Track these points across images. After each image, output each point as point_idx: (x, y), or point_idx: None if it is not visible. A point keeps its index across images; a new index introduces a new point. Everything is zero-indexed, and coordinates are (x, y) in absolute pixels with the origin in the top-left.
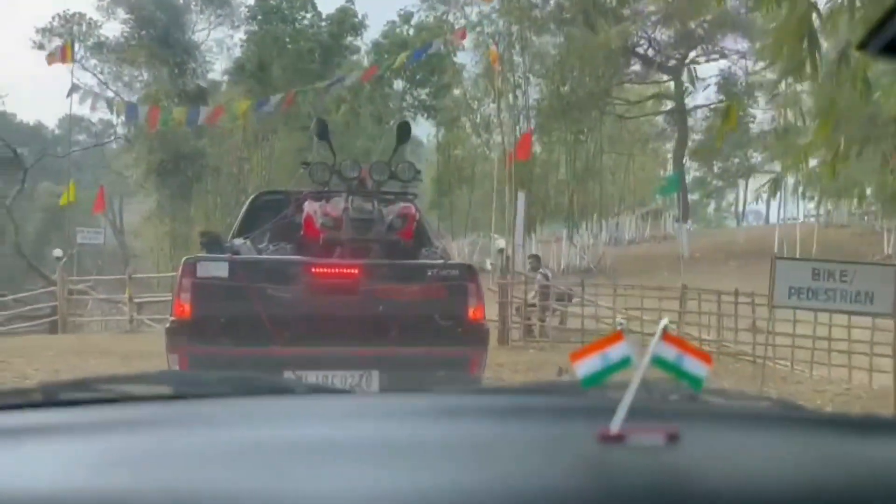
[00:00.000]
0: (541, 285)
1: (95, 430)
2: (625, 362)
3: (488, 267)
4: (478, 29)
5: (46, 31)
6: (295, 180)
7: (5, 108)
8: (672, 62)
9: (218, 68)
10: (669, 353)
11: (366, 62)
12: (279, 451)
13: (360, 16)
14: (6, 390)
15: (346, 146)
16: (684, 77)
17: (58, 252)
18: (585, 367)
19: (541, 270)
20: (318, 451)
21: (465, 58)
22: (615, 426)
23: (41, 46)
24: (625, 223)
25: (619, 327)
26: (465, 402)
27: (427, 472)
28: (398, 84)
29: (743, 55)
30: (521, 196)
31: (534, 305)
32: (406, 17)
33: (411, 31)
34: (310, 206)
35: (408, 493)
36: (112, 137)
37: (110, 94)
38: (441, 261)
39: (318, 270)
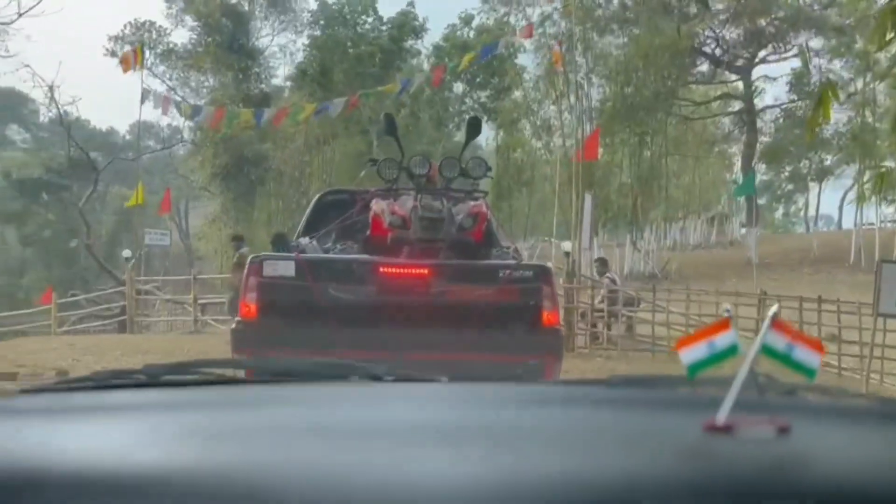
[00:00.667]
0: (608, 290)
1: (193, 409)
2: (732, 350)
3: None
4: (539, 30)
5: (118, 39)
6: (357, 182)
7: (79, 114)
8: (740, 61)
9: (281, 73)
10: (779, 342)
11: (426, 65)
12: (366, 432)
13: (420, 19)
14: (112, 371)
15: (407, 150)
16: (753, 77)
17: (127, 253)
18: (691, 354)
19: (608, 275)
20: (404, 434)
21: (526, 59)
22: (722, 417)
23: (113, 54)
24: (690, 227)
25: (726, 314)
26: (561, 391)
27: (527, 459)
28: (458, 87)
29: (817, 53)
30: (588, 198)
31: (601, 311)
32: (467, 20)
33: (472, 34)
34: (377, 205)
35: (505, 480)
36: (179, 142)
37: (178, 98)
38: (514, 261)
39: (385, 270)
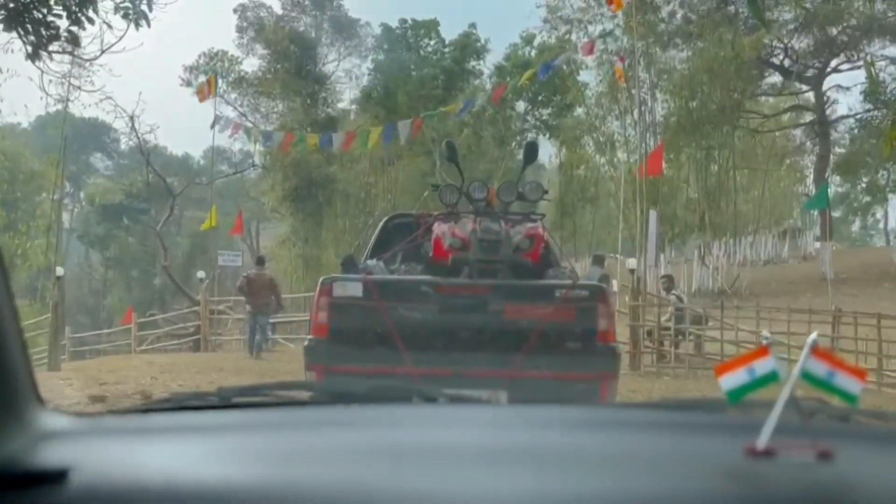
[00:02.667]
0: (675, 308)
1: (262, 431)
2: (772, 377)
3: (615, 288)
4: (602, 46)
5: (193, 69)
6: (420, 203)
7: (157, 142)
8: (811, 72)
9: (346, 97)
10: (819, 368)
11: (488, 86)
12: (427, 455)
13: (482, 40)
14: (189, 393)
15: (469, 169)
16: (825, 87)
17: (201, 274)
18: (731, 380)
19: (674, 292)
20: (461, 456)
21: (588, 76)
22: (762, 441)
23: (188, 83)
24: (760, 243)
25: (764, 342)
26: (607, 415)
27: (571, 481)
28: (520, 105)
29: (892, 60)
30: (653, 214)
31: (667, 329)
32: (528, 39)
33: (533, 53)
34: (438, 228)
35: (546, 501)
36: (250, 166)
37: (249, 124)
38: (570, 281)
39: (446, 290)
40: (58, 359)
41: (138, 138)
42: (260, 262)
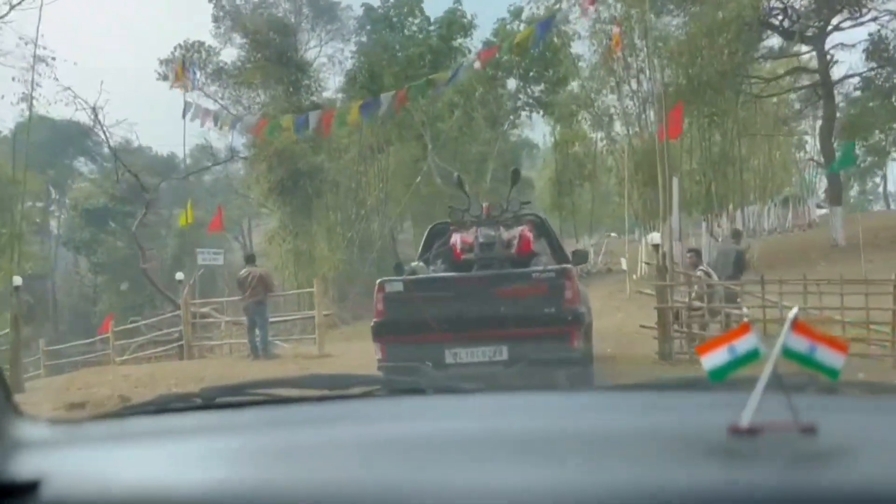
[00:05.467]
0: (703, 285)
1: (248, 430)
2: (753, 355)
3: (624, 266)
4: (593, 16)
5: (169, 63)
6: (411, 190)
7: (140, 142)
8: (811, 31)
9: (332, 84)
10: (801, 344)
11: (478, 64)
12: (416, 446)
13: (469, 16)
14: (170, 395)
15: (462, 154)
16: (827, 46)
17: (179, 275)
18: (712, 360)
19: (701, 267)
20: (444, 447)
21: (581, 47)
22: (745, 419)
23: (165, 77)
24: (762, 212)
25: (745, 319)
26: (594, 398)
27: (561, 466)
28: (511, 83)
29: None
30: (676, 181)
31: (699, 310)
32: (517, 13)
33: (523, 27)
34: (454, 236)
35: (543, 486)
36: (229, 158)
37: (225, 111)
38: (542, 267)
39: (459, 281)
40: (19, 377)
41: (104, 131)
42: (249, 259)
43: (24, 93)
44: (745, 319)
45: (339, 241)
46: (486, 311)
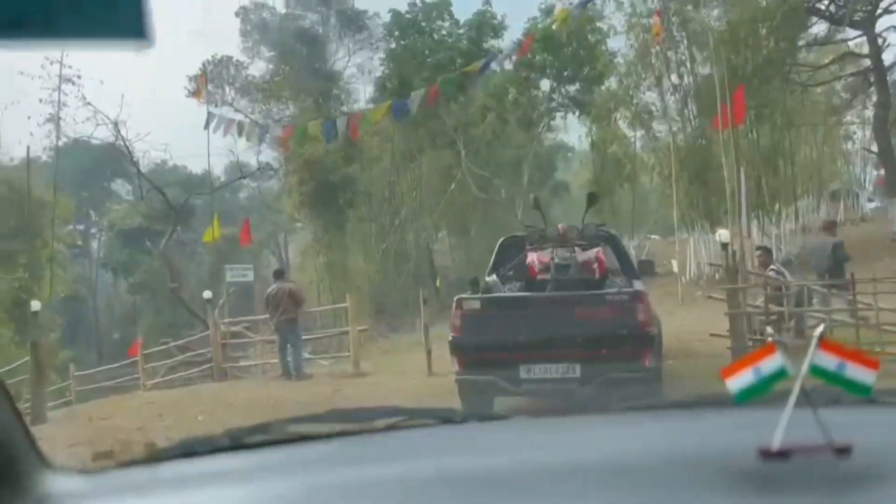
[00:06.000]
0: (774, 287)
1: (277, 472)
2: (780, 374)
3: (674, 268)
4: (629, 9)
5: (198, 79)
6: (445, 199)
7: (175, 162)
8: (860, 15)
9: (362, 94)
10: (829, 361)
11: (509, 64)
12: (443, 481)
13: (499, 17)
14: (197, 438)
15: (495, 159)
16: (878, 29)
17: (207, 294)
18: (738, 382)
19: (772, 267)
20: (477, 481)
21: (618, 42)
22: (776, 441)
23: (194, 94)
24: (810, 207)
25: (769, 338)
26: (619, 422)
27: (586, 498)
28: (545, 84)
29: None
30: (741, 173)
31: (773, 314)
32: (548, 10)
33: (555, 25)
34: (530, 256)
35: None
36: (256, 170)
37: (250, 121)
38: (617, 290)
39: (535, 301)
40: (42, 408)
41: (126, 147)
42: (278, 274)
43: (50, 113)
44: (821, 327)
45: (373, 253)
46: (560, 330)
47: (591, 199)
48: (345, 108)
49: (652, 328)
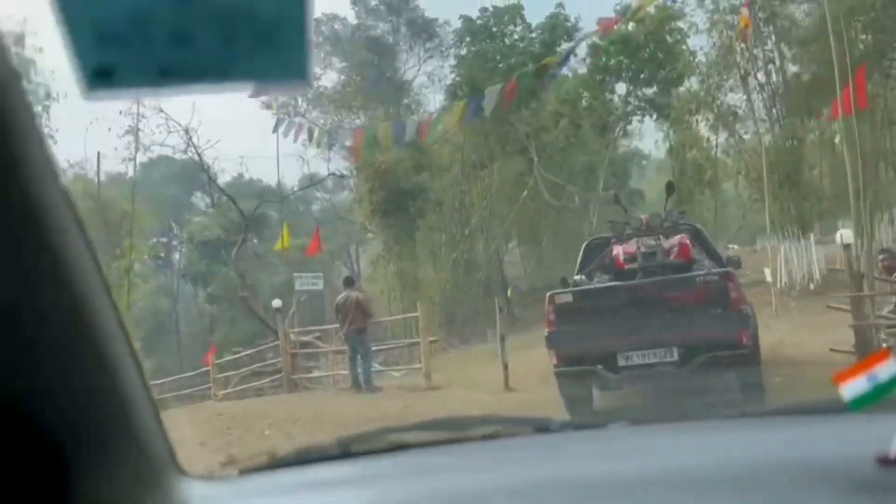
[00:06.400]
0: None
1: (384, 480)
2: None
3: (767, 277)
4: (711, 6)
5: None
6: (517, 206)
7: (251, 176)
8: None
9: (432, 103)
10: None
11: (583, 68)
12: (545, 489)
13: (572, 19)
14: (309, 447)
15: (568, 165)
16: None
17: (276, 303)
18: (851, 389)
19: None
20: (575, 490)
21: (700, 41)
22: (894, 449)
23: (269, 106)
24: None
25: (884, 344)
26: (721, 429)
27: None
28: (620, 87)
29: None
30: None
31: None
32: (624, 11)
33: (631, 25)
34: (616, 248)
35: None
36: (326, 178)
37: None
38: (706, 271)
39: (626, 289)
40: None
41: (198, 153)
42: (348, 282)
43: (129, 125)
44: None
45: (443, 263)
46: (654, 315)
47: (670, 188)
48: (415, 118)
49: (745, 306)
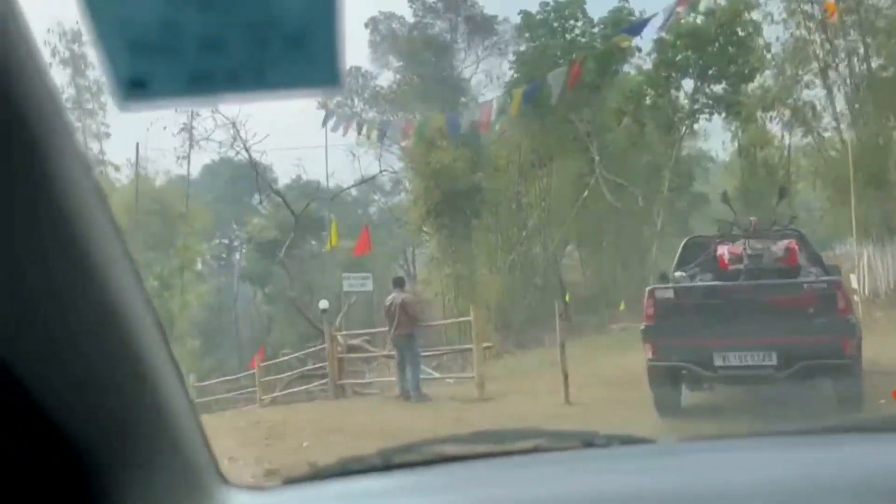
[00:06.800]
0: None
1: (428, 492)
2: None
3: (854, 284)
4: None
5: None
6: (577, 207)
7: (308, 178)
8: None
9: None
10: None
11: (648, 63)
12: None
13: (637, 13)
14: (351, 458)
15: (631, 165)
16: None
17: (323, 304)
18: None
19: None
20: None
21: (773, 32)
22: None
23: (324, 105)
24: None
25: None
26: (778, 446)
27: None
28: (687, 83)
29: None
30: None
31: None
32: (693, 5)
33: (701, 19)
34: (721, 248)
35: None
36: (378, 173)
37: (370, 120)
38: (814, 278)
39: (729, 290)
40: None
41: (245, 148)
42: (397, 283)
43: (184, 123)
44: None
45: (500, 265)
46: (755, 317)
47: (782, 192)
48: (471, 112)
49: (851, 316)
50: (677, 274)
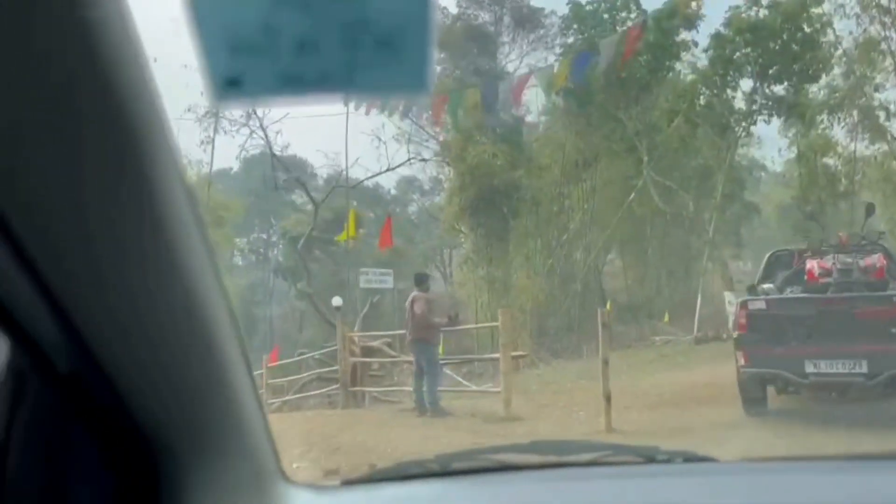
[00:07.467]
0: None
1: (481, 500)
2: None
3: None
4: None
5: None
6: (623, 210)
7: (348, 175)
8: None
9: (534, 95)
10: None
11: (704, 60)
12: None
13: (693, 6)
14: (410, 462)
15: (682, 168)
16: None
17: (336, 300)
18: None
19: None
20: None
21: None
22: None
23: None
24: None
25: None
26: (841, 470)
27: None
28: (745, 83)
29: None
30: None
31: None
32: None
33: (764, 13)
34: (810, 262)
35: None
36: (405, 162)
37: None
38: None
39: (820, 302)
40: None
41: (265, 134)
42: (418, 280)
43: (207, 109)
44: None
45: (537, 269)
46: (846, 328)
47: (870, 209)
48: (514, 111)
49: None
50: (765, 286)
